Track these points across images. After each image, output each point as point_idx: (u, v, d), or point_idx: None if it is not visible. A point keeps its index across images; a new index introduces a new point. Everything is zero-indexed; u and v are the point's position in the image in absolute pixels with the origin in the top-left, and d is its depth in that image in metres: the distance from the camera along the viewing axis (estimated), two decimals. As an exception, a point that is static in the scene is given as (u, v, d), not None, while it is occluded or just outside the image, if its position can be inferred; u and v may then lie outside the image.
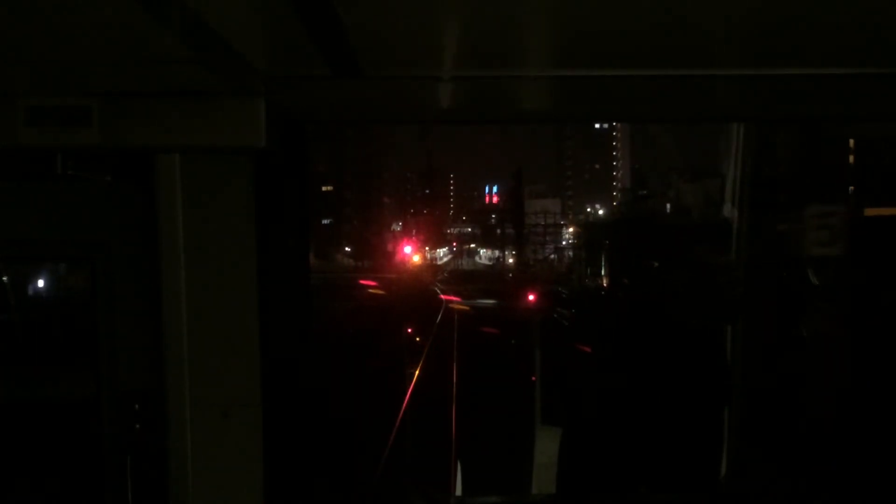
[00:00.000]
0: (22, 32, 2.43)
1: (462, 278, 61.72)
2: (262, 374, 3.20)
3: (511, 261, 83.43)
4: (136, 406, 3.31)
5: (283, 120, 3.20)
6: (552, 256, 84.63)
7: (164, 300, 3.17)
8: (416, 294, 47.16)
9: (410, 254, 69.67)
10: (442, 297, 49.69)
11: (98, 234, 3.33)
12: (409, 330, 31.89)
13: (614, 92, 3.23)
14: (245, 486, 3.23)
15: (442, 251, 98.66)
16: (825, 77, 2.93)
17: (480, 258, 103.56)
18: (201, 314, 3.18)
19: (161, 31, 2.35)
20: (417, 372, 24.16)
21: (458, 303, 45.85)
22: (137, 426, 3.31)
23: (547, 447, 8.18)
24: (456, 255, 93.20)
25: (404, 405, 20.21)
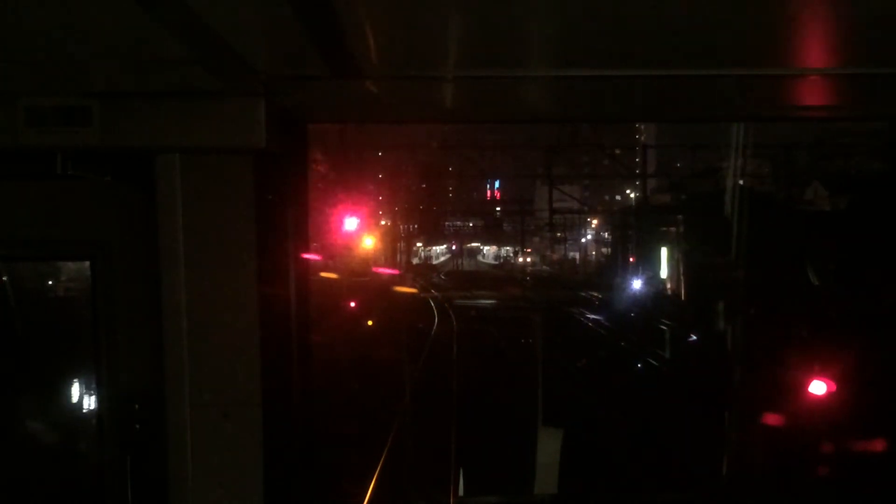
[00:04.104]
0: (22, 32, 2.44)
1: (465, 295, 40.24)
2: (262, 374, 3.20)
3: (522, 259, 70.41)
4: (136, 406, 3.31)
5: (283, 120, 3.20)
6: (572, 255, 71.82)
7: (164, 300, 3.17)
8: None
9: (356, 234, 38.74)
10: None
11: (98, 234, 3.33)
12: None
13: (614, 92, 3.23)
14: (245, 485, 3.22)
15: (439, 249, 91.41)
16: (826, 77, 2.93)
17: (484, 257, 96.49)
18: (201, 314, 3.18)
19: (161, 32, 2.35)
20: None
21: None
22: (137, 426, 3.31)
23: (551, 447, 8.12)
24: (456, 254, 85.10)
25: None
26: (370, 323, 27.32)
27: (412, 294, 39.11)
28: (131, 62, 2.75)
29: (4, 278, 3.65)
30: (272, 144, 3.07)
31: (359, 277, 33.33)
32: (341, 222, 36.37)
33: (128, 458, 3.32)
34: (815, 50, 2.71)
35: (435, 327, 28.63)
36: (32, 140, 2.99)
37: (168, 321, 3.17)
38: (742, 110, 4.23)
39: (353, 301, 29.00)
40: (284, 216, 3.38)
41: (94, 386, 3.39)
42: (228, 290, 3.18)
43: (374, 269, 39.50)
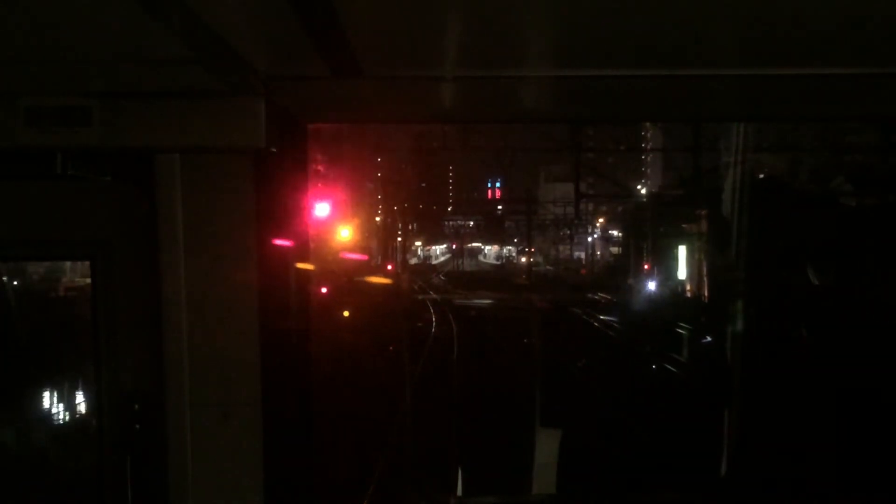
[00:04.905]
0: (22, 32, 2.44)
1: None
2: (261, 374, 3.20)
3: (525, 259, 67.37)
4: (136, 406, 3.31)
5: (282, 120, 3.20)
6: (578, 255, 69.99)
7: (164, 300, 3.17)
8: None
9: (329, 221, 32.85)
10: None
11: (98, 234, 3.33)
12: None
13: (614, 92, 3.23)
14: (245, 485, 3.23)
15: (438, 249, 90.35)
16: (825, 77, 2.93)
17: (486, 257, 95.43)
18: (201, 314, 3.18)
19: (161, 32, 2.36)
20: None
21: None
22: (137, 426, 3.31)
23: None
24: (456, 254, 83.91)
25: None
26: (346, 314, 26.75)
27: (404, 292, 37.67)
28: (131, 62, 2.75)
29: (4, 278, 3.65)
30: (272, 144, 3.08)
31: (339, 278, 31.67)
32: (314, 211, 29.74)
33: (128, 458, 3.32)
34: (815, 50, 2.71)
35: (433, 330, 28.29)
36: (32, 140, 2.99)
37: (168, 321, 3.17)
38: (742, 110, 4.23)
39: (324, 287, 28.18)
40: (284, 216, 3.38)
41: (94, 386, 3.39)
42: (228, 289, 3.19)
43: (342, 255, 36.66)
